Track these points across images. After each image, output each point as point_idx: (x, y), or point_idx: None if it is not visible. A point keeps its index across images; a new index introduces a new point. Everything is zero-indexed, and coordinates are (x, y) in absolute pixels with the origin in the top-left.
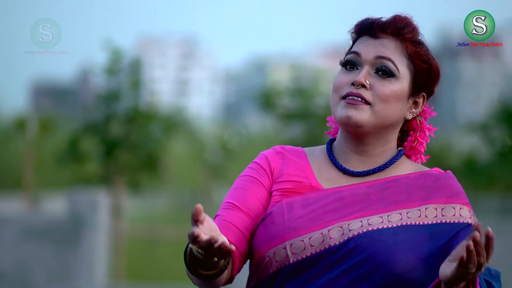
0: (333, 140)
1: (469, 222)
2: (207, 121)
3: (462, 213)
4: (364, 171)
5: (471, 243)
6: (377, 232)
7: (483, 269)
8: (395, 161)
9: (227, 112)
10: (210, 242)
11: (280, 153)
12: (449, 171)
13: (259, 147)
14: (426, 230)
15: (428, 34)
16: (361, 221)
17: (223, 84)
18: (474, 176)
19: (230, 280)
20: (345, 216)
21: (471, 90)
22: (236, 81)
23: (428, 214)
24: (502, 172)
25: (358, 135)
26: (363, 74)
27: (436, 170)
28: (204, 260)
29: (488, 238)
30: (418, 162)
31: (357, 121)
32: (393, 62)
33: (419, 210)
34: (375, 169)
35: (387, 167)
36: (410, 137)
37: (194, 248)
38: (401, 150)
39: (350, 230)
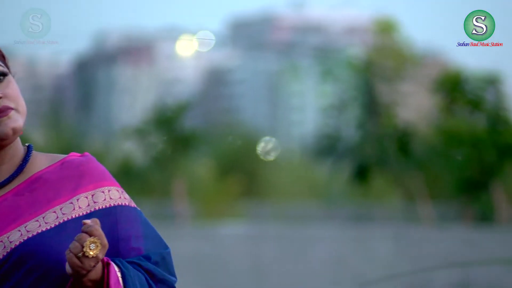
0: None
1: (120, 203)
2: None
3: (111, 195)
4: (5, 180)
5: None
6: (37, 237)
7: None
8: (29, 158)
9: None
10: None
11: None
12: (86, 153)
13: None
14: None
15: (83, 40)
16: (20, 230)
17: None
18: (130, 181)
19: None
20: (2, 229)
21: (128, 96)
22: None
23: (81, 204)
24: (157, 177)
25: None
26: None
27: (74, 155)
28: None
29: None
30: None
31: (18, 127)
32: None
33: (72, 203)
34: (13, 174)
35: (24, 167)
36: None
37: None
38: (30, 145)
39: (11, 242)
